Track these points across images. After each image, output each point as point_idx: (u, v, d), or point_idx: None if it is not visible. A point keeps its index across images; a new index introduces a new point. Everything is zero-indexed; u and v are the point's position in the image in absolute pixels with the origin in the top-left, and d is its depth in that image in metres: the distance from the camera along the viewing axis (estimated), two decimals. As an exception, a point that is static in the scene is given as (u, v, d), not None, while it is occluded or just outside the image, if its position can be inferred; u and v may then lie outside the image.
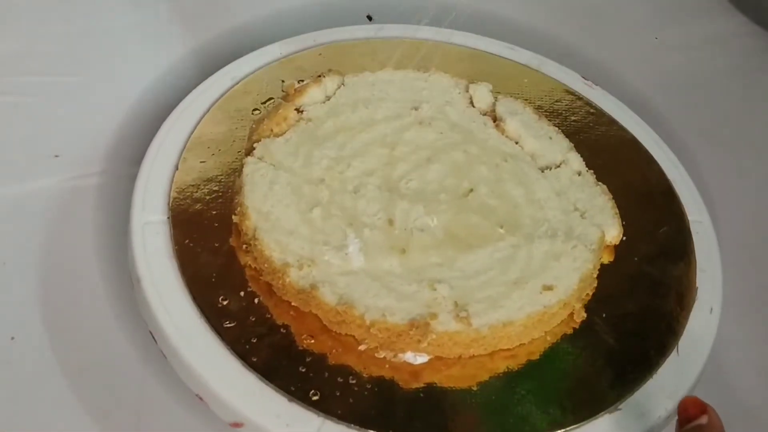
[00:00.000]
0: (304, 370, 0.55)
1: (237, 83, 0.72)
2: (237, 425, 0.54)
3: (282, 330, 0.57)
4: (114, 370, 0.58)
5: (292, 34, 0.75)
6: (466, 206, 0.63)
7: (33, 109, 0.71)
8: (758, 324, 0.68)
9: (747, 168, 0.80)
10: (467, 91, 0.72)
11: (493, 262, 0.60)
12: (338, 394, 0.54)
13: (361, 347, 0.57)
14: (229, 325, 0.57)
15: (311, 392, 0.54)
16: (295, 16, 0.84)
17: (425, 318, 0.56)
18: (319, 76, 0.71)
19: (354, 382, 0.55)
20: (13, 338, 0.58)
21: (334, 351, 0.57)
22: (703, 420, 0.50)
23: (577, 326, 0.60)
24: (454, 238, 0.61)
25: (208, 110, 0.69)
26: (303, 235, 0.60)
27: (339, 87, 0.71)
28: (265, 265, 0.59)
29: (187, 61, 0.78)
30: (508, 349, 0.58)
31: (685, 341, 0.60)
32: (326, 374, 0.55)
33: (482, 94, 0.72)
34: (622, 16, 0.94)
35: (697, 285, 0.63)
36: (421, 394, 0.55)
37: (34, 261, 0.62)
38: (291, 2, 0.85)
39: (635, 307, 0.62)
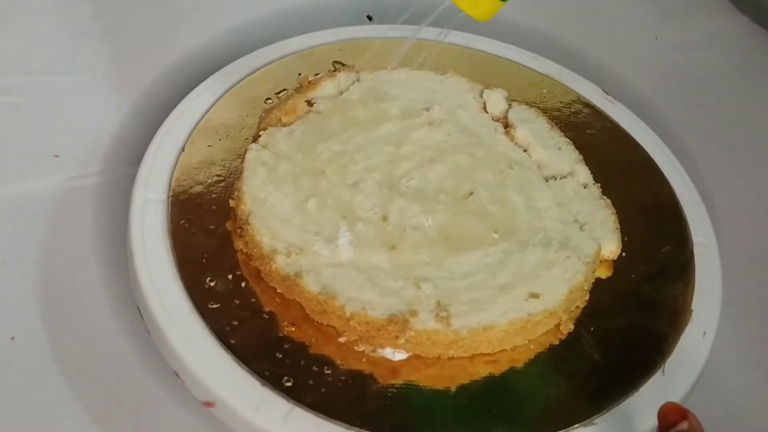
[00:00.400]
0: (280, 356, 0.55)
1: (254, 72, 0.72)
2: (209, 404, 0.54)
3: (265, 315, 0.57)
4: (114, 370, 0.58)
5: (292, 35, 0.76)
6: (463, 208, 0.63)
7: (33, 109, 0.71)
8: (753, 344, 0.66)
9: (747, 167, 0.79)
10: (482, 96, 0.72)
11: (482, 266, 0.60)
12: (311, 382, 0.55)
13: (341, 339, 0.57)
14: (213, 306, 0.57)
15: (284, 378, 0.54)
16: (297, 17, 0.84)
17: (405, 315, 0.56)
18: (334, 70, 0.71)
19: (329, 372, 0.55)
20: (13, 338, 0.58)
21: (314, 341, 0.57)
22: (684, 426, 0.49)
23: (563, 337, 0.59)
24: (447, 239, 0.61)
25: (221, 96, 0.70)
26: (295, 224, 0.60)
27: (353, 83, 0.71)
28: (255, 250, 0.59)
29: (187, 62, 0.77)
30: (489, 354, 0.58)
31: (672, 362, 0.59)
32: (302, 362, 0.55)
33: (496, 100, 0.71)
34: (622, 16, 0.93)
35: (693, 308, 0.62)
36: (395, 391, 0.55)
37: (34, 261, 0.62)
38: (286, 3, 0.85)
39: (625, 324, 0.61)
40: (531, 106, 0.72)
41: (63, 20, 0.78)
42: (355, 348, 0.57)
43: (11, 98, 0.71)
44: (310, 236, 0.59)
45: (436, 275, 0.59)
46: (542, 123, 0.70)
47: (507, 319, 0.57)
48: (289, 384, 0.54)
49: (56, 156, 0.68)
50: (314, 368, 0.55)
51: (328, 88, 0.70)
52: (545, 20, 0.90)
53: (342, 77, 0.71)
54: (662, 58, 0.90)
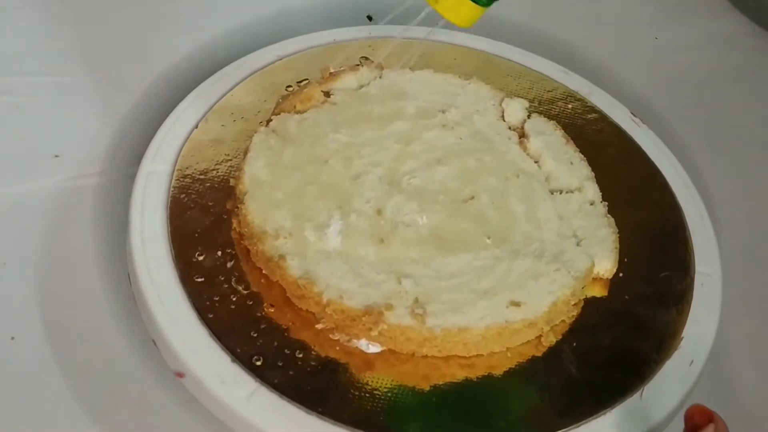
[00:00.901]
0: (255, 335, 0.56)
1: (280, 60, 0.73)
2: (180, 375, 0.55)
3: (248, 295, 0.58)
4: (114, 370, 0.58)
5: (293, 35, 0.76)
6: (461, 211, 0.63)
7: (33, 109, 0.71)
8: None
9: (747, 167, 0.78)
10: (501, 104, 0.72)
11: (468, 269, 0.60)
12: (281, 364, 0.55)
13: (318, 326, 0.57)
14: (197, 279, 0.58)
15: (255, 357, 0.55)
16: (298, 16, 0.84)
17: (381, 307, 0.56)
18: (357, 64, 0.72)
19: (301, 356, 0.56)
20: (13, 338, 0.58)
21: (292, 324, 0.57)
22: (710, 429, 0.48)
23: (545, 350, 0.59)
24: (439, 240, 0.61)
25: (243, 79, 0.71)
26: (289, 209, 0.61)
27: (375, 79, 0.72)
28: (246, 230, 0.60)
29: (186, 62, 0.77)
30: (465, 357, 0.57)
31: (652, 388, 0.58)
32: (276, 344, 0.56)
33: (515, 110, 0.71)
34: (622, 16, 0.92)
35: (684, 335, 0.60)
36: (366, 383, 0.55)
37: (34, 261, 0.62)
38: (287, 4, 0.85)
39: (610, 343, 0.60)
40: (550, 119, 0.71)
41: (63, 20, 0.78)
42: (330, 336, 0.57)
43: (11, 98, 0.71)
44: (301, 221, 0.60)
45: (419, 273, 0.59)
46: (558, 136, 0.70)
47: (484, 323, 0.56)
48: (258, 363, 0.55)
49: (56, 156, 0.68)
50: (286, 351, 0.56)
51: (348, 81, 0.71)
52: (543, 19, 0.90)
53: (364, 72, 0.71)
54: (662, 58, 0.89)
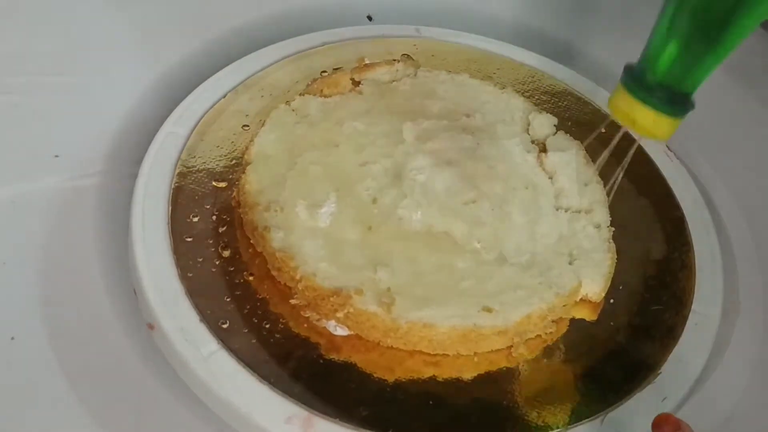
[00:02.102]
0: (228, 300, 0.57)
1: (323, 45, 0.74)
2: (150, 327, 0.57)
3: (229, 260, 0.59)
4: (114, 370, 0.58)
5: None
6: (458, 213, 0.62)
7: (33, 108, 0.70)
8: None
9: (746, 169, 0.76)
10: (529, 117, 0.71)
11: (449, 269, 0.59)
12: (245, 331, 0.56)
13: (292, 301, 0.58)
14: (186, 239, 0.60)
15: (221, 320, 0.56)
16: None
17: (350, 291, 0.56)
18: (394, 60, 0.73)
19: (267, 327, 0.56)
20: (13, 338, 0.58)
21: (267, 296, 0.58)
22: None
23: (516, 363, 0.58)
24: (428, 236, 0.61)
25: (282, 59, 0.72)
26: (288, 184, 0.62)
27: (409, 76, 0.72)
28: (242, 198, 0.61)
29: (188, 62, 0.77)
30: (430, 355, 0.57)
31: (615, 417, 0.56)
32: (246, 311, 0.57)
33: (541, 124, 0.71)
34: (621, 15, 0.89)
35: (661, 371, 0.59)
36: (320, 361, 0.56)
37: (34, 261, 0.61)
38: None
39: (582, 368, 0.59)
40: (574, 139, 0.70)
41: (64, 19, 0.77)
42: (302, 313, 0.58)
43: (11, 98, 0.70)
44: (296, 198, 0.61)
45: (398, 265, 0.59)
46: (579, 157, 0.69)
47: (450, 323, 0.56)
48: (225, 326, 0.56)
49: (56, 156, 0.68)
50: (254, 320, 0.57)
51: (381, 74, 0.72)
52: (548, 20, 0.89)
53: (400, 67, 0.72)
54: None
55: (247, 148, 0.64)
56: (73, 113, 0.70)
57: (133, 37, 0.78)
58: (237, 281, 0.58)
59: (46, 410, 0.55)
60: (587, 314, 0.62)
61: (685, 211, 0.69)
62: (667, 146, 0.74)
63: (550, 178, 0.67)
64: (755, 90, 0.83)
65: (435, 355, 0.57)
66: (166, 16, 0.80)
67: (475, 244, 0.61)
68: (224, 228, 0.61)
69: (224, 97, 0.68)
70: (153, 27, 0.79)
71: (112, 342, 0.59)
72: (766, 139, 0.80)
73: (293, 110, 0.67)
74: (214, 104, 0.68)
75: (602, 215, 0.65)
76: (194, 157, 0.64)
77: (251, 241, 0.60)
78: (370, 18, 0.83)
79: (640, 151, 0.69)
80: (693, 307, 0.63)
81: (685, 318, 0.62)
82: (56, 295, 0.60)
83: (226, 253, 0.59)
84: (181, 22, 0.80)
